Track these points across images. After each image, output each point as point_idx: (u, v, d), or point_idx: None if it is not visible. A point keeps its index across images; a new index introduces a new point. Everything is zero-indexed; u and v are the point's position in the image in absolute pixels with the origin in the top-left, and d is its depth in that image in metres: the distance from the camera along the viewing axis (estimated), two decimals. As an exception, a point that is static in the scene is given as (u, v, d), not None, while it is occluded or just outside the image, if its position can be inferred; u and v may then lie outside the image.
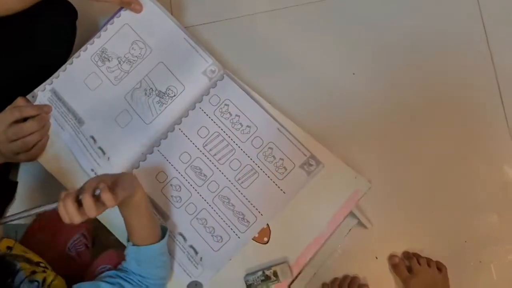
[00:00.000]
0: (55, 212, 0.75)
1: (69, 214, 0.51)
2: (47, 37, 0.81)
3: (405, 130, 0.78)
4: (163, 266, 0.64)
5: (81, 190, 0.52)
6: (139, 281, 0.61)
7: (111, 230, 0.70)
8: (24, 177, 0.86)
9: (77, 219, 0.51)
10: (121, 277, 0.61)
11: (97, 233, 0.78)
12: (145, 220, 0.61)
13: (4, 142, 0.66)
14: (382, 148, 0.77)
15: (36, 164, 0.76)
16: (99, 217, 0.69)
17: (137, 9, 0.75)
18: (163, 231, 0.64)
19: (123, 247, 0.65)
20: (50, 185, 0.76)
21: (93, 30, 0.82)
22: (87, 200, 0.51)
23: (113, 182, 0.55)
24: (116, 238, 0.70)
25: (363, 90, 0.80)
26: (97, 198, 0.52)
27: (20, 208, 0.63)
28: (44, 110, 0.71)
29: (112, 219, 0.69)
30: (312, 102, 0.76)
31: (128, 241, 0.62)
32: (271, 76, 0.80)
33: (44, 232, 0.73)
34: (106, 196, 0.51)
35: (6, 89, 0.79)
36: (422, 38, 0.82)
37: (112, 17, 0.77)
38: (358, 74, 0.81)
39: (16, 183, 0.84)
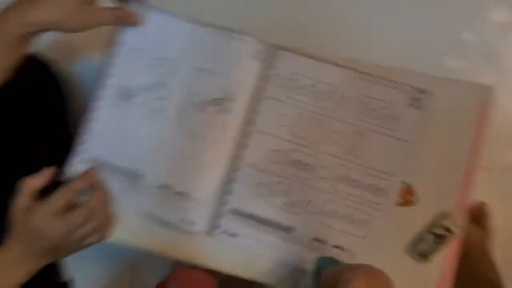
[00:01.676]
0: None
1: None
2: (32, 105, 0.69)
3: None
4: None
5: None
6: None
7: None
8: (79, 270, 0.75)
9: None
10: None
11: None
12: None
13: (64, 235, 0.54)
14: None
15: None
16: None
17: (137, 22, 0.62)
18: None
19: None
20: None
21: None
22: None
23: None
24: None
25: None
26: None
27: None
28: (91, 175, 0.58)
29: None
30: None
31: None
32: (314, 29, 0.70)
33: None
34: None
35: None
36: None
37: (114, 48, 0.64)
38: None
39: (66, 284, 0.74)
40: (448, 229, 0.55)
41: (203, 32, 0.63)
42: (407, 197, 0.59)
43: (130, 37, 0.64)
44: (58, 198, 0.54)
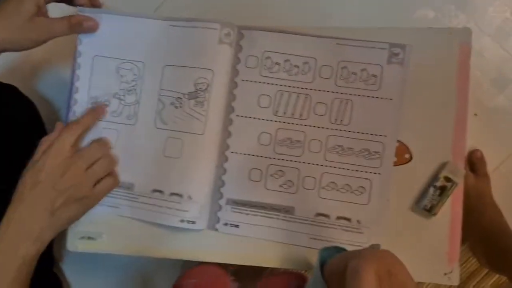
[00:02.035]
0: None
1: None
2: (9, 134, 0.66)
3: None
4: None
5: None
6: None
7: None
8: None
9: None
10: None
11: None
12: None
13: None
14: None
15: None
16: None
17: (92, 26, 0.59)
18: None
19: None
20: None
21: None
22: None
23: None
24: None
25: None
26: None
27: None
28: (100, 111, 0.60)
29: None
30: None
31: None
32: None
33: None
34: None
35: None
36: None
37: (75, 60, 0.61)
38: None
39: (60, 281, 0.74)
40: (449, 179, 0.54)
41: (164, 26, 0.60)
42: (403, 155, 0.58)
43: (89, 46, 0.61)
44: (69, 133, 0.55)
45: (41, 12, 0.55)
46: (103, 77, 0.61)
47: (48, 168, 0.52)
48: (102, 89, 0.61)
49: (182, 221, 0.59)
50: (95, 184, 0.56)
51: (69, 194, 0.53)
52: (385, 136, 0.58)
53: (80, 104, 0.61)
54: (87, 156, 0.55)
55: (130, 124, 0.61)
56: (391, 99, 0.58)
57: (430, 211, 0.56)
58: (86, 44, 0.61)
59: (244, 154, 0.59)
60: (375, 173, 0.58)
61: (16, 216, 0.51)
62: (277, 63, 0.59)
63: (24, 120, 0.69)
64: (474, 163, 0.78)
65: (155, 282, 0.84)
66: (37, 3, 0.54)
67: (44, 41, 0.56)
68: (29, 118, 0.71)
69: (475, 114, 0.79)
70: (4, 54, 0.54)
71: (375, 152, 0.58)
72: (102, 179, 0.57)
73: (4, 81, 0.68)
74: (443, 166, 0.56)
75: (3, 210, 0.52)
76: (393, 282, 0.38)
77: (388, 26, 0.59)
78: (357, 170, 0.58)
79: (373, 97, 0.58)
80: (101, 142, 0.58)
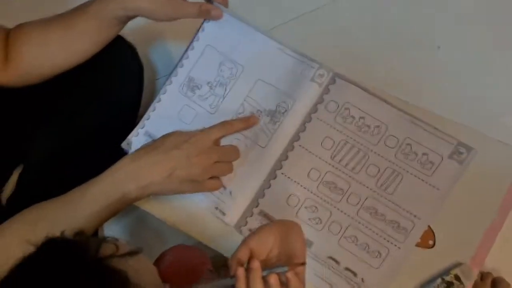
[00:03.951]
0: (175, 259, 0.69)
1: None
2: (115, 85, 0.77)
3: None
4: None
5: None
6: None
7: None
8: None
9: None
10: None
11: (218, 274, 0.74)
12: None
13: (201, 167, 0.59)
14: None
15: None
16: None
17: (217, 15, 0.68)
18: None
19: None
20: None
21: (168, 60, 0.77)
22: (274, 281, 0.46)
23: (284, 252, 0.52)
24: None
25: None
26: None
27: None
28: (253, 122, 0.66)
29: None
30: (438, 83, 0.70)
31: None
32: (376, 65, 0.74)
33: (172, 282, 0.68)
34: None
35: (82, 147, 0.75)
36: None
37: (191, 42, 0.71)
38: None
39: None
40: (458, 278, 0.57)
41: (275, 48, 0.67)
42: (428, 240, 0.61)
43: (207, 35, 0.70)
44: (220, 130, 0.62)
45: None
46: (207, 65, 0.70)
47: (191, 144, 0.59)
48: (201, 73, 0.70)
49: (216, 208, 0.67)
50: (209, 178, 0.62)
51: (192, 172, 0.59)
52: (419, 218, 0.62)
53: (179, 78, 0.70)
54: (222, 154, 0.62)
55: (210, 112, 0.69)
56: (438, 189, 0.62)
57: (430, 300, 0.59)
58: (206, 33, 0.70)
59: (291, 179, 0.66)
60: (395, 245, 0.62)
61: (139, 162, 0.58)
62: (353, 117, 0.65)
63: (128, 78, 0.80)
64: (499, 283, 0.79)
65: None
66: None
67: (175, 18, 0.65)
68: (133, 78, 0.82)
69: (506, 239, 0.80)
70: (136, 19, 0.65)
71: (404, 228, 0.62)
72: (215, 177, 0.63)
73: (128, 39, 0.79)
74: (458, 264, 0.59)
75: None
76: None
77: (471, 120, 0.63)
78: (380, 236, 0.62)
79: (423, 180, 0.62)
80: (236, 149, 0.64)
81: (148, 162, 0.58)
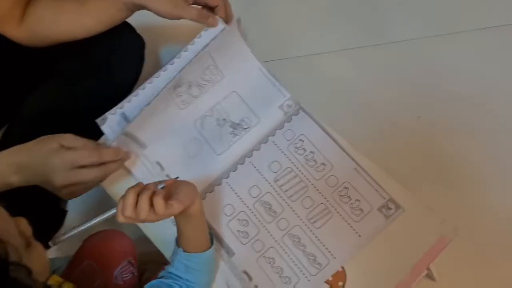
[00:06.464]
0: (101, 238, 0.72)
1: (140, 207, 0.53)
2: (116, 67, 0.82)
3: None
4: (210, 271, 0.63)
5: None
6: (187, 286, 0.59)
7: (153, 241, 0.68)
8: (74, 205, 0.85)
9: (143, 214, 0.53)
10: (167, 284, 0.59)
11: (145, 268, 0.76)
12: (200, 230, 0.61)
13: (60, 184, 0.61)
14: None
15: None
16: (144, 229, 0.68)
17: (213, 23, 0.72)
18: (211, 237, 0.63)
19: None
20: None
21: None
22: (159, 198, 0.53)
23: (175, 187, 0.58)
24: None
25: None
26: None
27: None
28: (122, 157, 0.66)
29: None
30: (390, 142, 0.74)
31: (177, 246, 0.61)
32: (343, 116, 0.79)
33: (91, 259, 0.70)
34: (174, 202, 0.54)
35: (71, 115, 0.80)
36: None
37: (186, 46, 0.76)
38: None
39: (66, 211, 0.81)
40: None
41: (254, 65, 0.73)
42: (338, 281, 0.63)
43: (202, 41, 0.73)
44: (85, 155, 0.61)
45: None
46: (194, 66, 0.73)
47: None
48: (187, 73, 0.72)
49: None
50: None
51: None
52: (334, 257, 0.64)
53: (167, 73, 0.73)
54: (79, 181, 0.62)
55: (180, 108, 0.72)
56: (360, 236, 0.65)
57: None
58: (202, 39, 0.74)
59: (233, 190, 0.69)
60: (306, 277, 0.64)
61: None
62: (304, 149, 0.70)
63: (130, 59, 0.86)
64: None
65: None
66: None
67: (176, 17, 0.70)
68: (135, 61, 0.87)
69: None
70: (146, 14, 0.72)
71: (319, 263, 0.64)
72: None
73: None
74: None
75: None
76: None
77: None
78: (296, 264, 0.65)
79: (349, 224, 0.66)
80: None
81: None
